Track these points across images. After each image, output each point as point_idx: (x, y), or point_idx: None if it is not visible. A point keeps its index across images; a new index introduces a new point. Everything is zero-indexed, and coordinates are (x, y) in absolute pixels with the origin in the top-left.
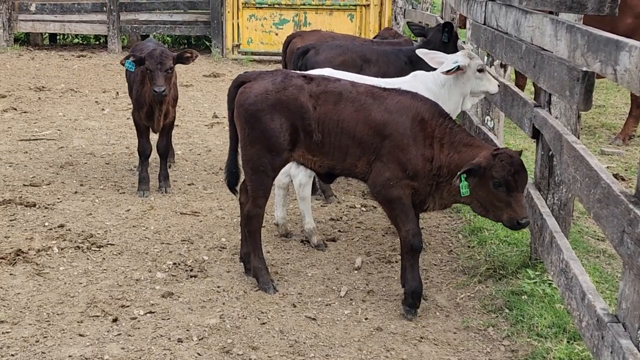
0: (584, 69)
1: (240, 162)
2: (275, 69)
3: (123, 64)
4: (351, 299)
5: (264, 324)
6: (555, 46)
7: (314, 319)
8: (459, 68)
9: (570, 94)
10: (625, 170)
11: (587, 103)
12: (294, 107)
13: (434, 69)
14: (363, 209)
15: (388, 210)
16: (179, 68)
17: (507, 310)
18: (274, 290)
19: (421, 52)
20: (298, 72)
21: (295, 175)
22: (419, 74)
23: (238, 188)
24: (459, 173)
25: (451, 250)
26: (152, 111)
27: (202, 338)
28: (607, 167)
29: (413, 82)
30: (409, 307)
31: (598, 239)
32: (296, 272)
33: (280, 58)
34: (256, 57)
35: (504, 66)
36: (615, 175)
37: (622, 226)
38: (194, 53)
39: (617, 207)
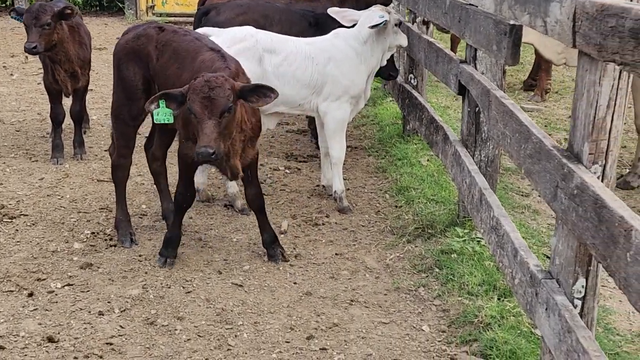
0: (511, 22)
1: None
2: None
3: (10, 15)
4: (278, 264)
5: (189, 292)
6: (481, 0)
7: (240, 286)
8: (385, 23)
9: (497, 48)
10: (545, 126)
11: (514, 58)
12: (143, 57)
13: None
14: (287, 171)
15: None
16: (92, 30)
17: (437, 270)
18: (130, 242)
19: (332, 11)
20: (160, 23)
21: None
22: (340, 31)
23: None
24: (154, 96)
25: (379, 211)
26: (58, 73)
27: (124, 310)
28: None
29: (334, 40)
30: (160, 255)
31: (522, 195)
32: (220, 237)
33: None
34: (172, 19)
35: (426, 23)
36: None
37: (556, 181)
38: (74, 9)
39: (549, 162)
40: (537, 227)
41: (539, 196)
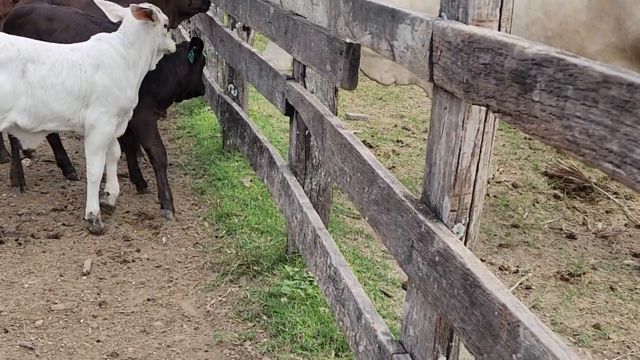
0: (349, 40)
1: None
2: None
3: None
4: (79, 316)
5: None
6: (312, 12)
7: (31, 349)
8: (151, 12)
9: (332, 69)
10: (372, 136)
11: (352, 81)
12: None
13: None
14: None
15: None
16: None
17: (265, 318)
18: None
19: (99, 1)
20: None
21: None
22: (103, 36)
23: None
24: None
25: (197, 243)
26: None
27: None
28: (355, 133)
29: (99, 44)
30: None
31: (354, 217)
32: (9, 283)
33: None
34: None
35: (246, 29)
36: (363, 142)
37: (410, 240)
38: None
39: (402, 215)
40: (371, 256)
41: (388, 252)
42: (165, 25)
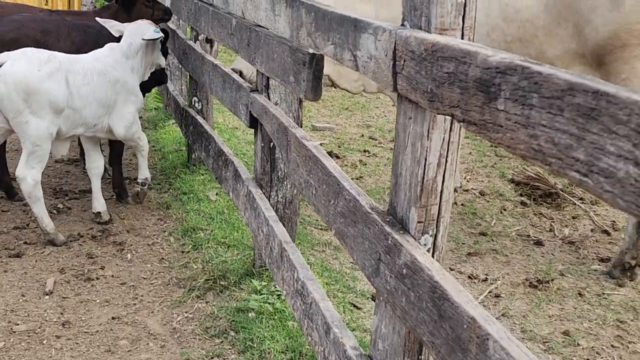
0: (311, 51)
1: None
2: None
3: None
4: (42, 336)
5: None
6: (274, 23)
7: None
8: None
9: (295, 80)
10: (339, 146)
11: (315, 92)
12: None
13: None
14: (54, 211)
15: None
16: None
17: (232, 334)
18: None
19: (101, 21)
20: None
21: None
22: (114, 45)
23: None
24: None
25: (162, 258)
26: None
27: None
28: (321, 144)
29: (111, 53)
30: None
31: (321, 229)
32: None
33: None
34: None
35: (210, 41)
36: (330, 153)
37: (377, 253)
38: None
39: (368, 228)
40: (340, 267)
41: (355, 265)
42: (161, 42)
